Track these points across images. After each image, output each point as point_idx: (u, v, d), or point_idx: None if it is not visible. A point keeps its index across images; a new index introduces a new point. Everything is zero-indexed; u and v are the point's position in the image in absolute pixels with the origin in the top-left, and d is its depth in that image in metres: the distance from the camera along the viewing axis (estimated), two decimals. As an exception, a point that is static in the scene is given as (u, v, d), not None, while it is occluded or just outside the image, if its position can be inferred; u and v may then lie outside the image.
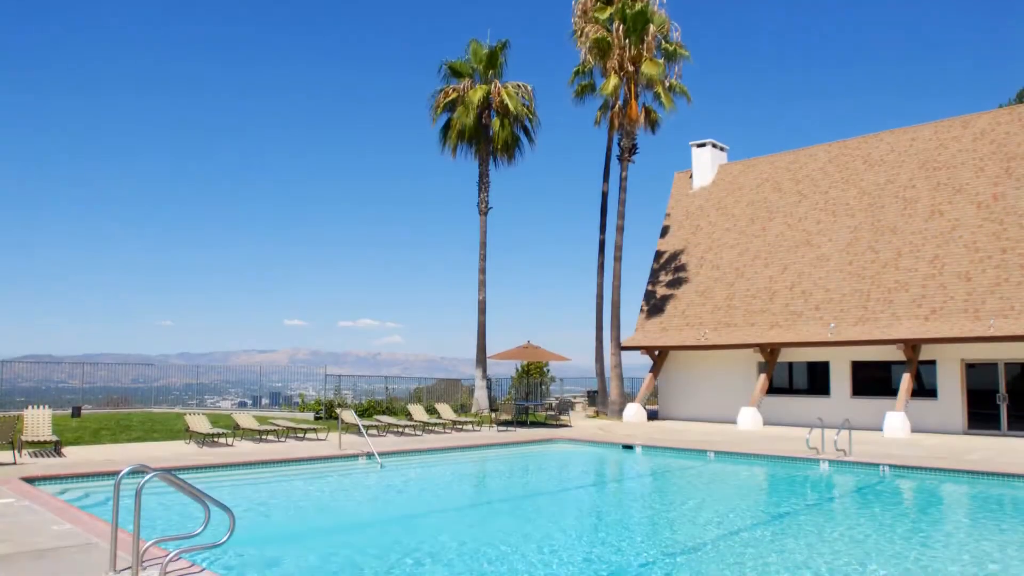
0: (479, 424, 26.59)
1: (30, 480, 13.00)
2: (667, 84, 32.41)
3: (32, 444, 16.93)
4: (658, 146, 55.47)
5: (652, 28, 31.59)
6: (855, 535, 10.98)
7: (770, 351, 28.19)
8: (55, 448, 17.12)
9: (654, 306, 32.89)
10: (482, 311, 33.64)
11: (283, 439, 21.37)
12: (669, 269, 33.75)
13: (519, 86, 33.91)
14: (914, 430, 24.46)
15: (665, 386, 32.49)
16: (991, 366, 24.50)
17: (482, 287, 33.69)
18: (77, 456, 16.52)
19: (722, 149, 37.12)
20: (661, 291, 33.18)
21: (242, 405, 38.28)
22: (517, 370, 40.92)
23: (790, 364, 29.15)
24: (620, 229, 32.56)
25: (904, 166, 29.45)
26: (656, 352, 31.73)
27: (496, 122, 33.51)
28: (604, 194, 34.25)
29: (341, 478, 16.31)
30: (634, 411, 30.12)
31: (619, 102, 32.55)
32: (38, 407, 17.91)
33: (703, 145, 36.28)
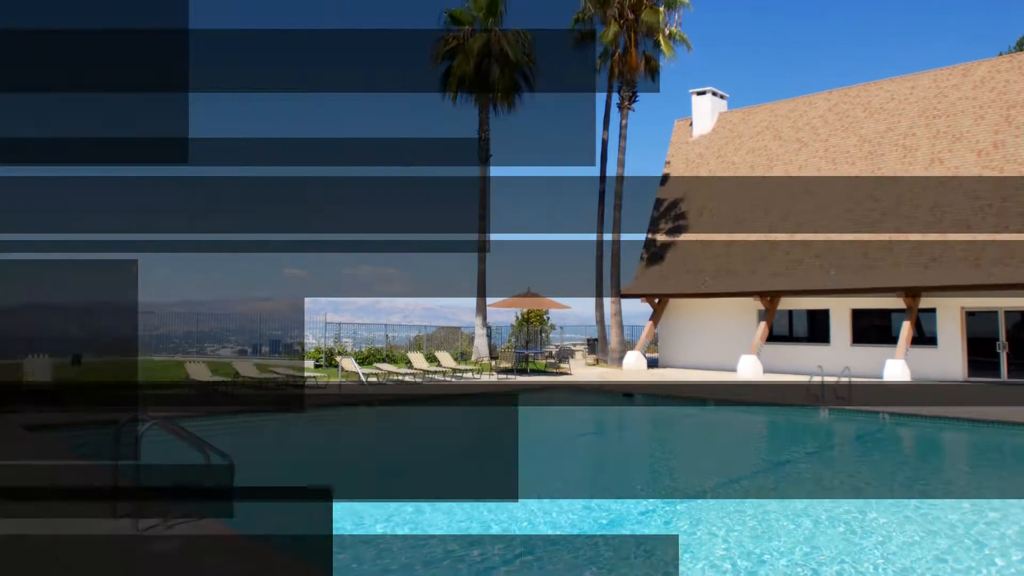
0: (479, 372, 26.68)
1: (30, 428, 13.01)
2: (667, 32, 31.93)
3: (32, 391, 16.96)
4: (658, 94, 54.77)
5: (652, -26, 31.00)
6: (855, 482, 11.03)
7: (770, 299, 28.17)
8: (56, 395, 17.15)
9: (654, 254, 32.79)
10: (482, 259, 33.55)
11: (283, 387, 21.42)
12: (669, 217, 33.57)
13: (519, 33, 33.38)
14: (914, 378, 24.57)
15: (665, 334, 32.55)
16: (991, 314, 24.51)
17: (482, 235, 33.55)
18: (77, 404, 16.54)
19: (722, 97, 36.69)
20: (661, 239, 33.05)
21: (242, 353, 38.34)
22: (517, 318, 41.00)
23: (790, 312, 29.17)
24: (620, 177, 32.32)
25: (904, 114, 29.12)
26: (656, 300, 31.73)
27: (496, 70, 33.05)
28: (604, 142, 33.97)
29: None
30: (634, 359, 30.22)
31: (619, 50, 32.11)
32: (38, 355, 17.92)
33: (703, 93, 35.84)
